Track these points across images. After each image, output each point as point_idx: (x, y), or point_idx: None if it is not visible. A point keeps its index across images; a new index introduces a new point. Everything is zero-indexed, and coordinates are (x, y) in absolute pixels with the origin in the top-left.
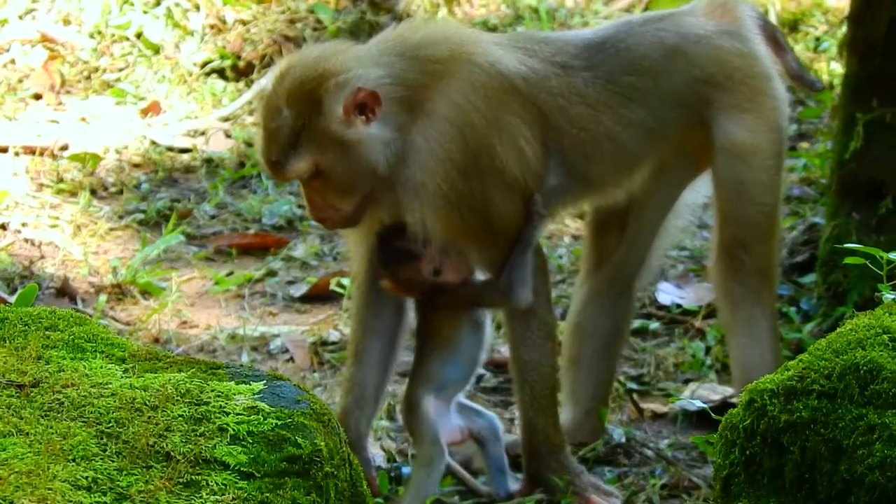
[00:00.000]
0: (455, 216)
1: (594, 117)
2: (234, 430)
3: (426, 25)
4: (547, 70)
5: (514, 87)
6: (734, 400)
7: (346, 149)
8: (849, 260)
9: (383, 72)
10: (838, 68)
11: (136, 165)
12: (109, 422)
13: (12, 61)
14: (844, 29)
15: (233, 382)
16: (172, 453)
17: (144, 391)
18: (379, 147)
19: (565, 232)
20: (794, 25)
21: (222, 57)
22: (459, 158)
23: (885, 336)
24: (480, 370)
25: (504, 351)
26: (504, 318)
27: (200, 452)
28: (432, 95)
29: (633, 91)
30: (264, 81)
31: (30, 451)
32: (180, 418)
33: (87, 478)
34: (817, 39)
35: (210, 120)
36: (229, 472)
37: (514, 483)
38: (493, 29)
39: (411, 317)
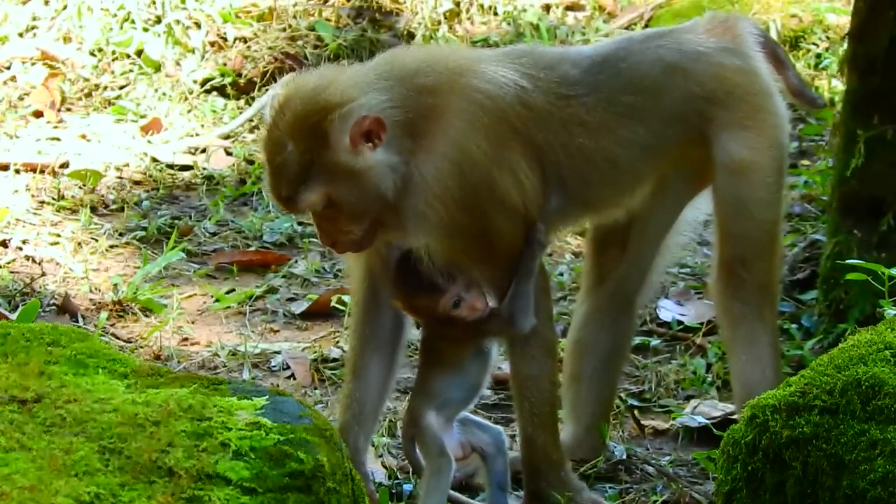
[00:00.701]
0: (457, 244)
1: (595, 144)
2: (236, 445)
3: (421, 50)
4: (547, 105)
5: (512, 125)
6: (735, 416)
7: (357, 177)
8: (851, 276)
9: (384, 97)
10: (839, 85)
11: (137, 183)
12: (112, 437)
13: (13, 79)
14: (845, 46)
15: (235, 398)
16: (175, 469)
17: (147, 407)
18: (387, 171)
19: (566, 249)
20: (795, 42)
21: (223, 74)
22: (458, 193)
23: (886, 352)
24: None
25: (505, 367)
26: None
27: (203, 468)
28: (433, 129)
29: (632, 111)
30: (265, 98)
31: (32, 466)
32: (183, 434)
33: (89, 493)
34: (818, 56)
35: (211, 137)
36: (232, 487)
37: (513, 501)
38: (494, 46)
39: (411, 332)
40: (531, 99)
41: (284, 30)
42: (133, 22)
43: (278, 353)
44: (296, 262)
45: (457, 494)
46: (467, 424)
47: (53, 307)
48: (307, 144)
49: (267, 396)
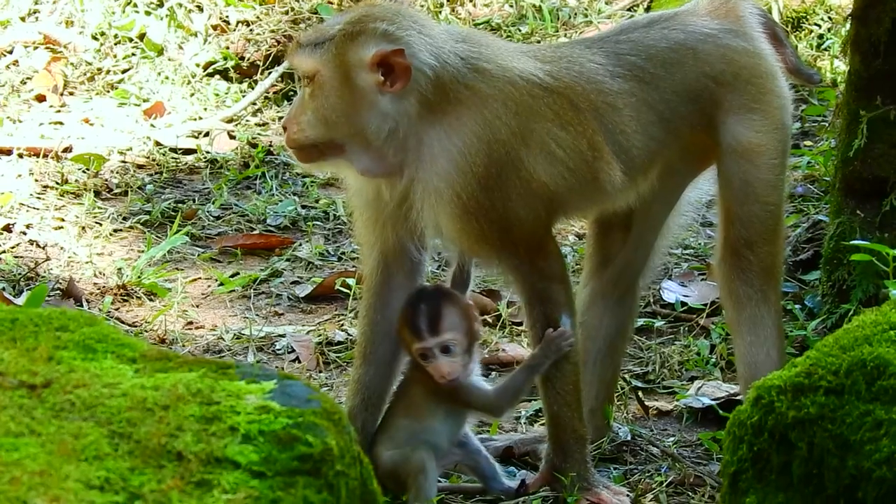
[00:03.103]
0: (473, 225)
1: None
2: (245, 429)
3: (484, 36)
4: (571, 68)
5: (544, 87)
6: (739, 397)
7: (348, 88)
8: (855, 257)
9: (434, 62)
10: (842, 66)
11: (140, 167)
12: (121, 421)
13: (15, 63)
14: (848, 27)
15: (243, 382)
16: (184, 453)
17: (155, 391)
18: (377, 116)
19: (570, 231)
20: (797, 23)
21: (225, 58)
22: (482, 172)
23: (891, 332)
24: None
25: (508, 350)
26: (526, 317)
27: (212, 452)
28: (462, 108)
29: (649, 76)
30: (268, 82)
31: (42, 451)
32: (191, 418)
33: (99, 477)
34: (820, 37)
35: (214, 121)
36: (241, 471)
37: (509, 481)
38: (497, 28)
39: None
40: (557, 75)
41: (287, 12)
42: (135, 5)
43: (283, 336)
44: (300, 245)
45: (451, 485)
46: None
47: (58, 292)
48: (346, 28)
49: (275, 380)
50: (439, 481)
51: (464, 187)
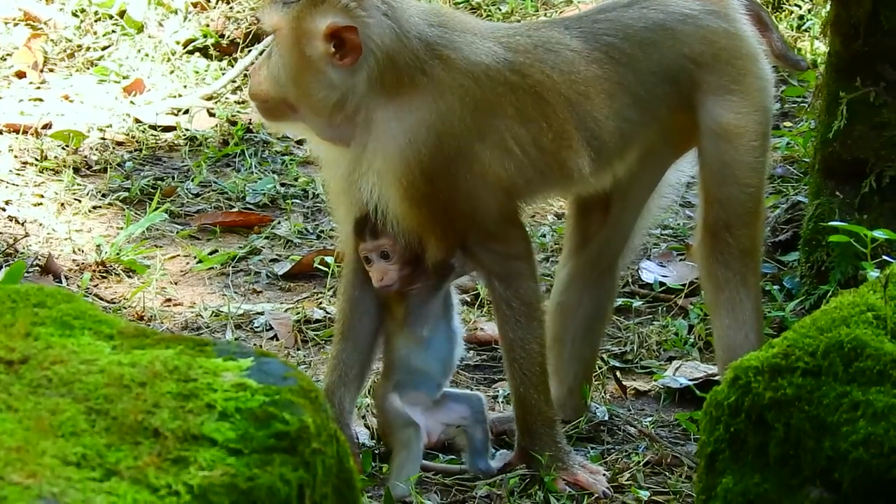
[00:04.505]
0: (415, 211)
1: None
2: (222, 406)
3: (448, 13)
4: (545, 59)
5: (510, 83)
6: (717, 378)
7: (298, 52)
8: (833, 238)
9: (389, 44)
10: (822, 47)
11: (120, 143)
12: (98, 398)
13: None
14: (828, 8)
15: (220, 359)
16: (161, 430)
17: (132, 368)
18: (324, 85)
19: (549, 210)
20: (777, 3)
21: (206, 35)
22: (427, 162)
23: (869, 314)
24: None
25: (486, 329)
26: (491, 297)
27: (189, 429)
28: (416, 93)
29: (624, 56)
30: (248, 60)
31: (19, 427)
32: (168, 395)
33: (76, 453)
34: (801, 18)
35: (193, 98)
36: (217, 448)
37: (494, 461)
38: (477, 8)
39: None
40: (524, 58)
41: None
42: None
43: (261, 314)
44: (279, 223)
45: (430, 463)
46: (441, 401)
47: (36, 268)
48: None
49: (252, 358)
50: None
51: (405, 174)
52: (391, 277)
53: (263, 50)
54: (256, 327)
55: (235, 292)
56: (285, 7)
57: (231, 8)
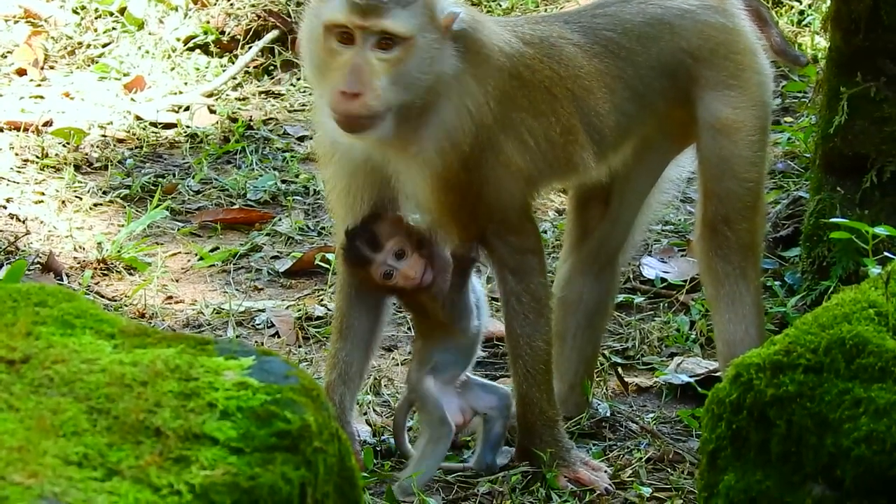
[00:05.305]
0: (449, 199)
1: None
2: (223, 405)
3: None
4: (551, 54)
5: (523, 78)
6: (719, 374)
7: (439, 49)
8: (835, 234)
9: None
10: (822, 42)
11: (121, 141)
12: (99, 397)
13: None
14: (829, 3)
15: (222, 358)
16: (162, 429)
17: (134, 367)
18: (442, 83)
19: (550, 206)
20: None
21: (206, 32)
22: (468, 151)
23: (870, 310)
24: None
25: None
26: (499, 293)
27: (190, 428)
28: (464, 79)
29: (623, 51)
30: (248, 57)
31: (20, 427)
32: (170, 394)
33: (77, 453)
34: (801, 13)
35: (194, 95)
36: (219, 447)
37: (501, 458)
38: (477, 3)
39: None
40: (532, 49)
41: None
42: None
43: (262, 311)
44: (280, 220)
45: (447, 464)
46: (471, 387)
47: (38, 266)
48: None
49: (254, 356)
50: None
51: (445, 160)
52: (421, 266)
53: (265, 47)
54: (258, 324)
55: (237, 289)
56: (408, 9)
57: (231, 4)
